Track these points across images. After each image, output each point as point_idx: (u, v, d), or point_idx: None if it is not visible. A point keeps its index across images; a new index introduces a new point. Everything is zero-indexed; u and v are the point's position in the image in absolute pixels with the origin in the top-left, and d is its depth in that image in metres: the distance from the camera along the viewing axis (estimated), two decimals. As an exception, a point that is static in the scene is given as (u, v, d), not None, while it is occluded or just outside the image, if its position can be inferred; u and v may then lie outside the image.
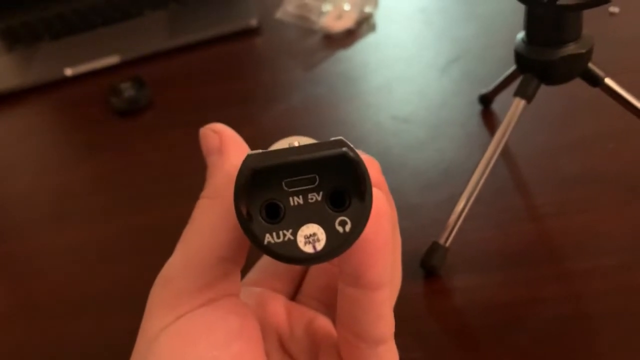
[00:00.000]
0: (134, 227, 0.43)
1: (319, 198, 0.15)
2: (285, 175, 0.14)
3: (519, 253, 0.34)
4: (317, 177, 0.15)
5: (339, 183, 0.15)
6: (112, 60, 0.65)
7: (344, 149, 0.14)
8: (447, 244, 0.33)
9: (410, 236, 0.36)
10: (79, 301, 0.38)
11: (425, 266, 0.34)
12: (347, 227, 0.15)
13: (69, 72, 0.65)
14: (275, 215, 0.15)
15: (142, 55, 0.65)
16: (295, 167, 0.14)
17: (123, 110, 0.57)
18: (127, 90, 0.58)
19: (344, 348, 0.19)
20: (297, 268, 0.28)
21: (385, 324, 0.18)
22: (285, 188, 0.15)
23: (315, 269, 0.25)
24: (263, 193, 0.14)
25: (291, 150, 0.14)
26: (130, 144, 0.54)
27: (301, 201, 0.15)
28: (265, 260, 0.26)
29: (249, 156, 0.14)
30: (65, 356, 0.35)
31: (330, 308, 0.24)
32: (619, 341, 0.29)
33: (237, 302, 0.19)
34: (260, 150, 0.15)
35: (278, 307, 0.22)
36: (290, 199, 0.15)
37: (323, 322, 0.22)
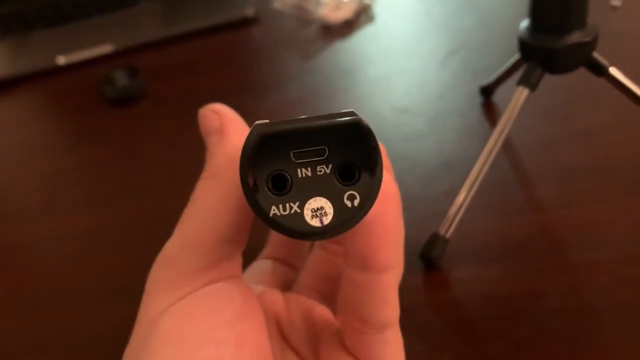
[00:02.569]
0: (127, 217, 0.42)
1: (328, 171, 0.14)
2: (294, 146, 0.14)
3: (520, 245, 0.33)
4: (326, 149, 0.14)
5: (349, 156, 0.14)
6: (105, 49, 0.64)
7: (358, 117, 0.14)
8: (448, 236, 0.33)
9: (410, 227, 0.35)
10: (71, 290, 0.37)
11: (425, 257, 0.33)
12: (356, 202, 0.14)
13: (61, 60, 0.64)
14: (282, 187, 0.14)
15: (137, 44, 0.64)
16: (305, 136, 0.14)
17: (117, 100, 0.56)
18: (121, 79, 0.57)
19: (348, 335, 0.19)
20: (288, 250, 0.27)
21: (391, 308, 0.17)
22: (294, 159, 0.14)
23: (312, 259, 0.25)
24: (270, 163, 0.14)
25: (301, 119, 0.14)
26: (124, 133, 0.53)
27: (309, 173, 0.14)
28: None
29: (257, 125, 0.14)
30: (57, 345, 0.34)
31: (328, 298, 0.23)
32: (622, 333, 0.28)
33: (240, 283, 0.18)
34: (268, 121, 0.14)
35: (276, 296, 0.22)
36: (298, 170, 0.14)
37: (322, 311, 0.21)
